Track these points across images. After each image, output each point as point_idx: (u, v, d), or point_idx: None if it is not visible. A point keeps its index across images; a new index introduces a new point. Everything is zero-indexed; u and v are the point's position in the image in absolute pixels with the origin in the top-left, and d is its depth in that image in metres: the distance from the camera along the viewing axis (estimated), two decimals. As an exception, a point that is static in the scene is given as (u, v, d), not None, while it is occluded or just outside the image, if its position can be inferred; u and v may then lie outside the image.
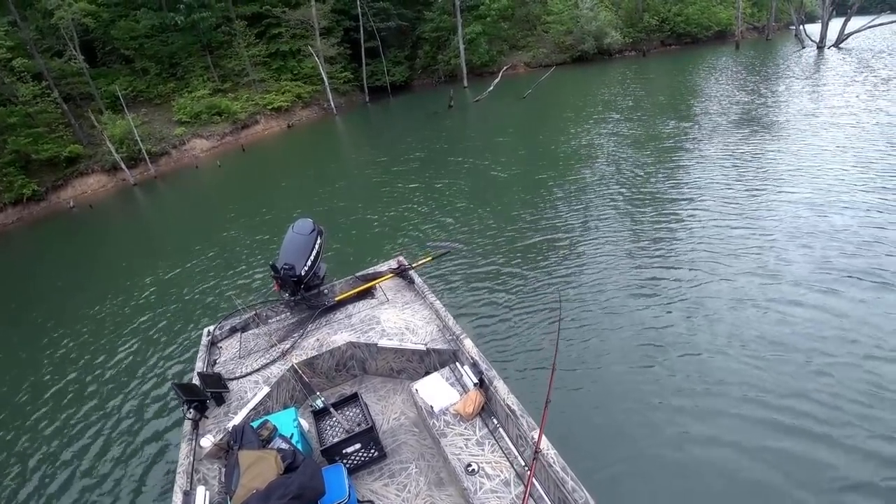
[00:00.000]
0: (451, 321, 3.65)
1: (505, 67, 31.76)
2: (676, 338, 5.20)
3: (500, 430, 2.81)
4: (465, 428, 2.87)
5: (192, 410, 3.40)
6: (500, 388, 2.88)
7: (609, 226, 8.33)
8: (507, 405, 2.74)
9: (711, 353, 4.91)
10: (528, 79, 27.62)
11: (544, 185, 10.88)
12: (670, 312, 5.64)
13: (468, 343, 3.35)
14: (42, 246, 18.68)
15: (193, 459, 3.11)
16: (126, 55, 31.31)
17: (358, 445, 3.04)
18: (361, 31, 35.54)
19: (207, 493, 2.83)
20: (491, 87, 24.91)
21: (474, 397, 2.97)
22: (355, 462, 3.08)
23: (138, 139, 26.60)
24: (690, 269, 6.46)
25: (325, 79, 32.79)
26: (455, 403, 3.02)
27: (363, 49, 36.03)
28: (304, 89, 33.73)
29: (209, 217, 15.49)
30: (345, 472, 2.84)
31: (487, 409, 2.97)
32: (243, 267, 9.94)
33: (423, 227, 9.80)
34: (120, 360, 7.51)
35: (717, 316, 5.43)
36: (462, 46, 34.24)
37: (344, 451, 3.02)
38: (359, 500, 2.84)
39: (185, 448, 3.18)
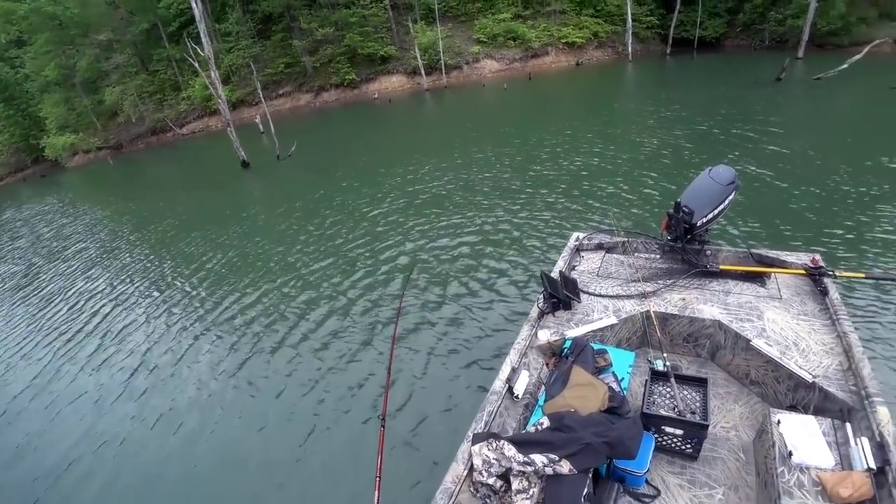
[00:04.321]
0: (866, 369, 2.70)
1: (876, 42, 23.88)
2: None
3: None
4: None
5: (545, 302, 3.53)
6: None
7: None
8: None
9: None
10: None
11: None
12: None
13: (884, 413, 2.42)
14: (371, 122, 21.73)
15: (528, 344, 3.23)
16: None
17: (680, 432, 2.68)
18: (685, -28, 31.28)
19: (529, 378, 3.00)
20: (845, 65, 18.79)
21: (860, 483, 2.14)
22: (665, 444, 2.77)
23: (440, 50, 28.71)
24: None
25: (629, 20, 30.16)
26: (825, 471, 2.28)
27: (681, -7, 31.88)
28: (603, 28, 31.69)
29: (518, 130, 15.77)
30: (653, 447, 2.63)
31: None
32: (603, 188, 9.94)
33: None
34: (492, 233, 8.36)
35: None
36: (814, 4, 27.28)
37: (663, 428, 2.70)
38: (647, 481, 2.62)
39: (525, 330, 3.33)
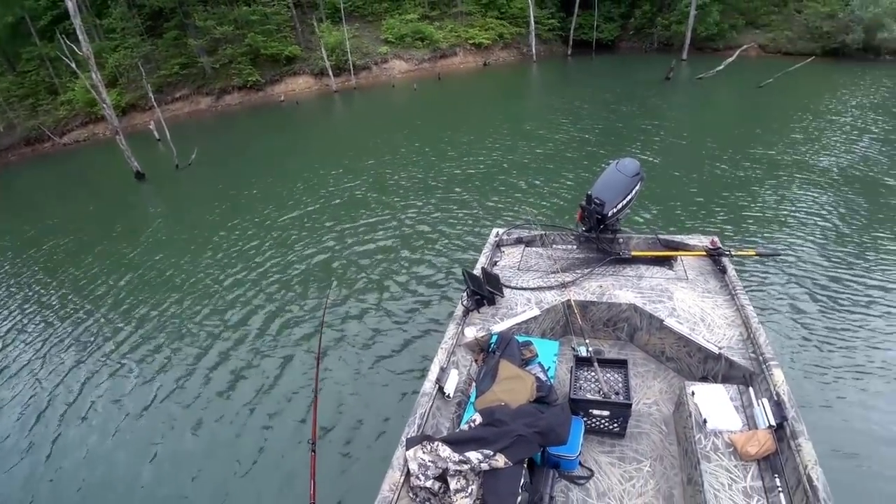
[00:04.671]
0: (762, 337, 2.97)
1: (744, 47, 26.80)
2: None
3: (781, 494, 2.19)
4: (736, 466, 2.35)
5: (469, 300, 3.55)
6: (807, 451, 2.22)
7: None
8: (809, 477, 2.11)
9: None
10: (763, 65, 22.89)
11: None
12: None
13: (778, 375, 2.66)
14: (278, 126, 20.64)
15: (455, 342, 3.24)
16: (352, -30, 32.85)
17: (607, 413, 2.80)
18: (580, -22, 33.05)
19: (458, 376, 3.00)
20: (721, 66, 21.10)
21: (763, 440, 2.36)
22: (593, 426, 2.88)
23: (347, 51, 28.12)
24: None
25: (532, 22, 31.37)
26: (735, 433, 2.49)
27: (577, -2, 33.64)
28: (508, 30, 32.64)
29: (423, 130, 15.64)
30: (583, 430, 2.72)
31: (773, 463, 2.34)
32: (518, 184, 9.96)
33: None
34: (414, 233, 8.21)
35: None
36: (693, 12, 29.91)
37: (590, 411, 2.81)
38: (581, 463, 2.70)
39: (451, 329, 3.32)
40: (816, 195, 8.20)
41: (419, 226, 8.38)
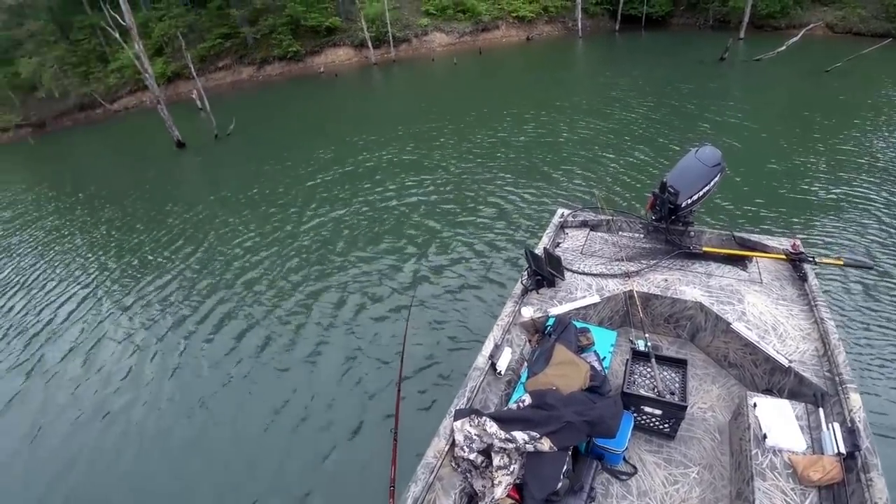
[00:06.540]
0: (841, 356, 2.72)
1: (810, 26, 24.67)
2: None
3: None
4: (793, 489, 2.17)
5: (529, 279, 3.47)
6: (879, 488, 2.01)
7: None
8: None
9: None
10: (831, 46, 20.95)
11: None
12: None
13: (856, 399, 2.44)
14: (317, 97, 20.61)
15: (511, 321, 3.22)
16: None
17: (659, 412, 2.68)
18: (633, -52, 31.23)
19: (511, 354, 2.99)
20: (783, 47, 19.34)
21: (830, 467, 2.16)
22: (643, 423, 2.77)
23: (388, 22, 27.65)
24: None
25: (579, -5, 30.00)
26: (797, 454, 2.31)
27: (628, -31, 31.86)
28: (553, 2, 31.26)
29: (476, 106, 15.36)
30: (632, 426, 2.65)
31: (838, 493, 2.14)
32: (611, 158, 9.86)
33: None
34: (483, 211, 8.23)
35: None
36: (754, -14, 27.78)
37: (642, 407, 2.71)
38: (625, 459, 2.63)
39: (509, 307, 3.31)
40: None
41: (487, 200, 8.43)
